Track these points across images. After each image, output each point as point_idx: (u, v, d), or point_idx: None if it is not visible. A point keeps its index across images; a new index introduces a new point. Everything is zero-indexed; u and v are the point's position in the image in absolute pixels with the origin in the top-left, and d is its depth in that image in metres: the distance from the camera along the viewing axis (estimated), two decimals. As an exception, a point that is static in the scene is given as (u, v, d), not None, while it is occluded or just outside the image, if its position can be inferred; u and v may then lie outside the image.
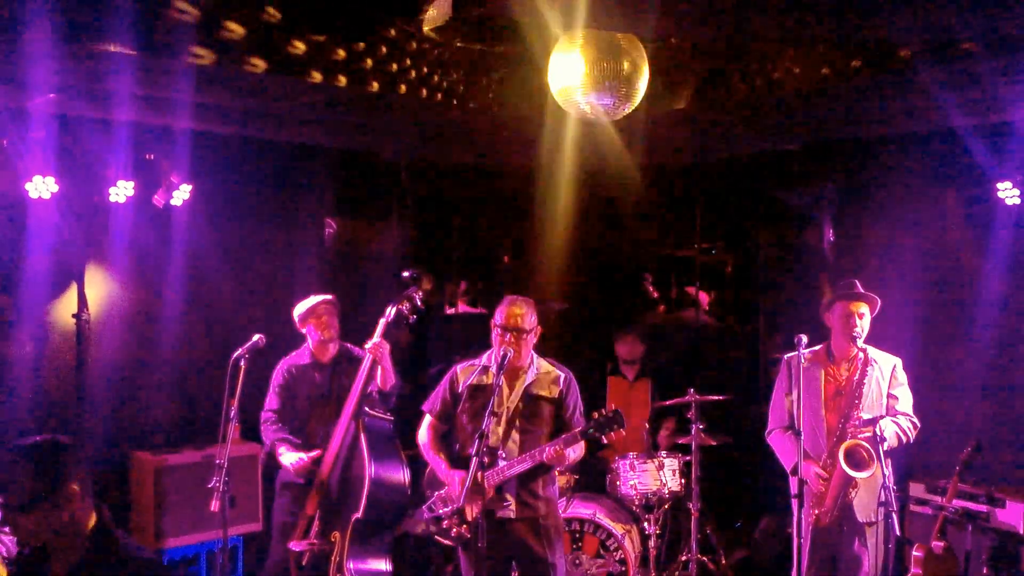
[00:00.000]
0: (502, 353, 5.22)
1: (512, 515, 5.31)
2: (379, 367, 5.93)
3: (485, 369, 5.39)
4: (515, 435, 5.34)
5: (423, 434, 5.61)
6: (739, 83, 6.35)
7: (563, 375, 5.48)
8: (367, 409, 5.94)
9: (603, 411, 5.14)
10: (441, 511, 5.36)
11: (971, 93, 5.98)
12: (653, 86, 5.43)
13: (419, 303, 6.07)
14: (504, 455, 5.27)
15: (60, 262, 6.98)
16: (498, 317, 5.37)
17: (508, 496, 5.29)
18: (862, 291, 5.78)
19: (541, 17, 5.07)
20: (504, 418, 5.34)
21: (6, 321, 6.85)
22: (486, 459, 5.20)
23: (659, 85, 6.11)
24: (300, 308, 6.23)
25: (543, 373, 5.44)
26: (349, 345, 6.35)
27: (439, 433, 5.60)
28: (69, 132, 6.56)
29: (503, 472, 5.22)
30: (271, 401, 6.25)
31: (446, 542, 5.43)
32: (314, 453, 5.94)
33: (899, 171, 7.60)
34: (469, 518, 5.12)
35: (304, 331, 6.27)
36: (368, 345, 5.92)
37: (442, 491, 5.45)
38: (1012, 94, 5.97)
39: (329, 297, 6.26)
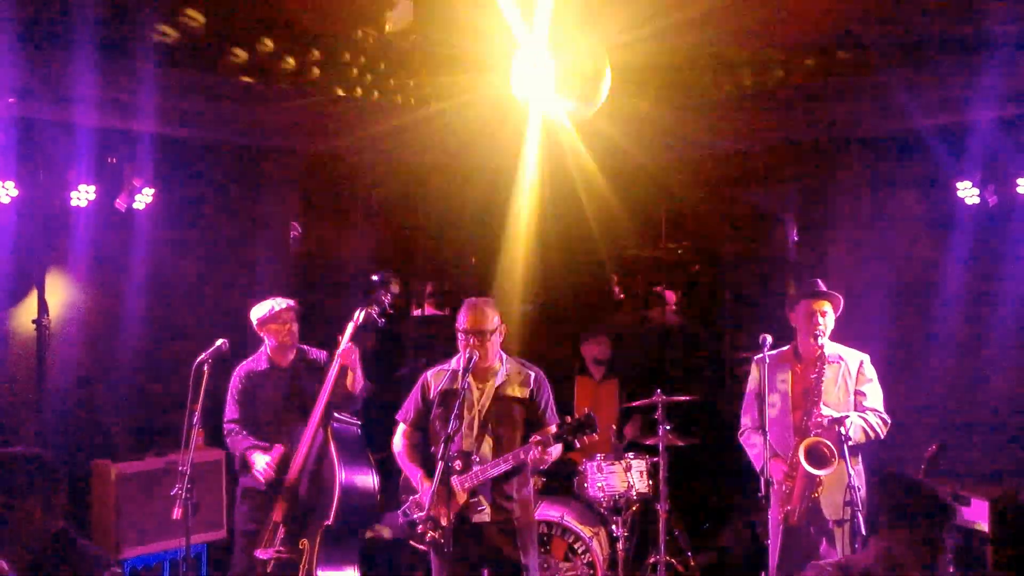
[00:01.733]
0: (468, 356, 5.21)
1: (487, 519, 5.28)
2: (350, 372, 5.90)
3: (455, 374, 5.36)
4: (488, 438, 5.32)
5: (397, 442, 5.59)
6: (702, 84, 6.37)
7: (533, 374, 5.47)
8: (336, 415, 5.91)
9: (575, 415, 5.13)
10: (415, 516, 5.34)
11: (931, 94, 6.04)
12: (616, 87, 5.44)
13: (388, 307, 6.04)
14: (478, 459, 5.25)
15: (20, 267, 6.90)
16: (460, 321, 5.36)
17: (482, 500, 5.27)
18: (824, 289, 5.81)
19: (504, 20, 5.07)
20: (476, 421, 5.32)
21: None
22: (459, 464, 5.19)
23: (622, 86, 6.12)
24: (259, 312, 6.12)
25: (513, 374, 5.43)
26: (306, 347, 6.29)
27: (413, 441, 5.57)
28: (30, 136, 6.50)
29: (477, 476, 5.20)
30: (231, 411, 6.14)
31: (420, 547, 5.41)
32: (275, 451, 5.87)
33: (861, 171, 7.66)
34: (443, 523, 5.10)
35: (262, 335, 6.18)
36: (338, 351, 5.88)
37: (416, 496, 5.43)
38: (971, 94, 6.03)
39: (291, 303, 6.17)
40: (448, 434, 4.95)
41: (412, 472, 5.45)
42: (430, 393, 5.46)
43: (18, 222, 6.68)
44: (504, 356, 5.47)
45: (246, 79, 5.64)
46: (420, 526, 5.19)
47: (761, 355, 5.65)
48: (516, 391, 5.39)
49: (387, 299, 6.04)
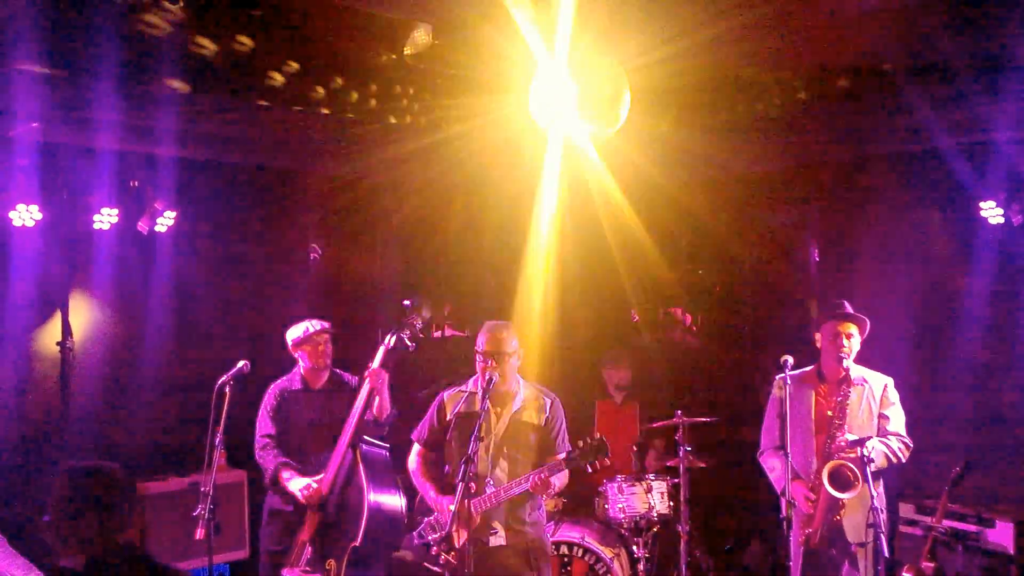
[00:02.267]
0: (488, 378, 5.20)
1: (503, 542, 5.29)
2: (377, 396, 5.91)
3: (472, 395, 5.37)
4: (503, 462, 5.32)
5: (412, 462, 5.59)
6: (723, 106, 6.37)
7: (549, 401, 5.46)
8: (365, 437, 5.93)
9: (588, 439, 5.11)
10: (430, 538, 5.33)
11: (954, 113, 6.02)
12: (636, 109, 5.44)
13: (419, 331, 6.07)
14: (492, 482, 5.25)
15: (44, 290, 6.96)
16: (479, 343, 5.36)
17: (496, 523, 5.27)
18: (851, 311, 5.77)
19: (523, 43, 5.09)
20: (492, 444, 5.32)
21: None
22: (473, 486, 5.18)
23: (642, 108, 6.12)
24: (295, 333, 6.18)
25: (530, 399, 5.42)
26: (340, 371, 6.32)
27: (428, 461, 5.58)
28: (53, 160, 6.56)
29: (490, 500, 5.19)
30: (265, 426, 6.16)
31: (435, 569, 5.39)
32: (319, 477, 5.88)
33: (883, 191, 7.62)
34: (457, 545, 5.09)
35: (296, 356, 6.23)
36: (368, 373, 5.90)
37: (431, 518, 5.43)
38: (995, 113, 6.00)
39: (325, 325, 6.22)
40: (468, 455, 4.95)
41: (426, 491, 5.46)
42: (446, 415, 5.47)
43: (42, 245, 6.75)
44: (522, 381, 5.46)
45: (265, 102, 5.69)
46: (434, 548, 5.18)
47: (783, 375, 5.61)
48: (532, 417, 5.39)
49: (418, 324, 6.09)
